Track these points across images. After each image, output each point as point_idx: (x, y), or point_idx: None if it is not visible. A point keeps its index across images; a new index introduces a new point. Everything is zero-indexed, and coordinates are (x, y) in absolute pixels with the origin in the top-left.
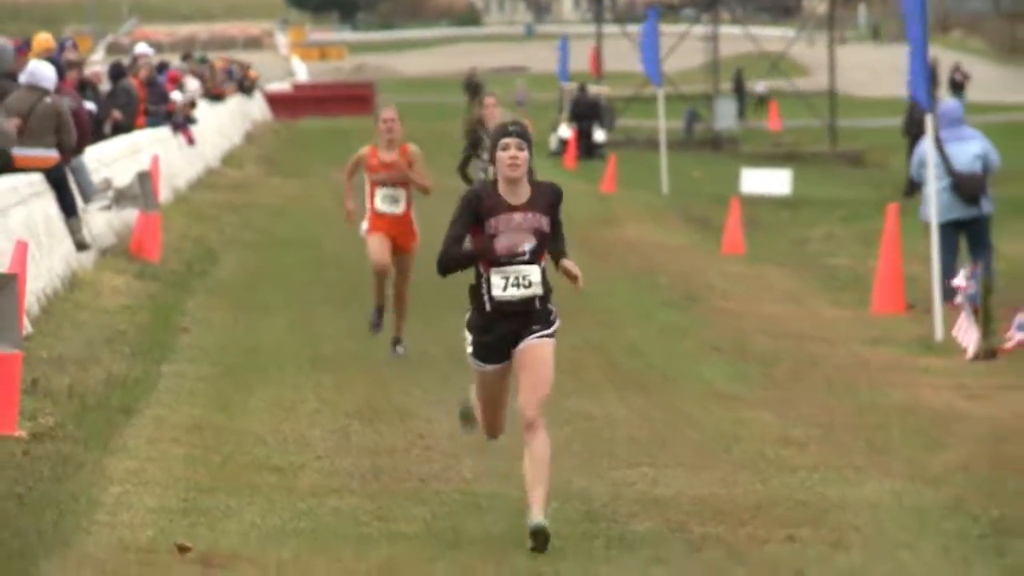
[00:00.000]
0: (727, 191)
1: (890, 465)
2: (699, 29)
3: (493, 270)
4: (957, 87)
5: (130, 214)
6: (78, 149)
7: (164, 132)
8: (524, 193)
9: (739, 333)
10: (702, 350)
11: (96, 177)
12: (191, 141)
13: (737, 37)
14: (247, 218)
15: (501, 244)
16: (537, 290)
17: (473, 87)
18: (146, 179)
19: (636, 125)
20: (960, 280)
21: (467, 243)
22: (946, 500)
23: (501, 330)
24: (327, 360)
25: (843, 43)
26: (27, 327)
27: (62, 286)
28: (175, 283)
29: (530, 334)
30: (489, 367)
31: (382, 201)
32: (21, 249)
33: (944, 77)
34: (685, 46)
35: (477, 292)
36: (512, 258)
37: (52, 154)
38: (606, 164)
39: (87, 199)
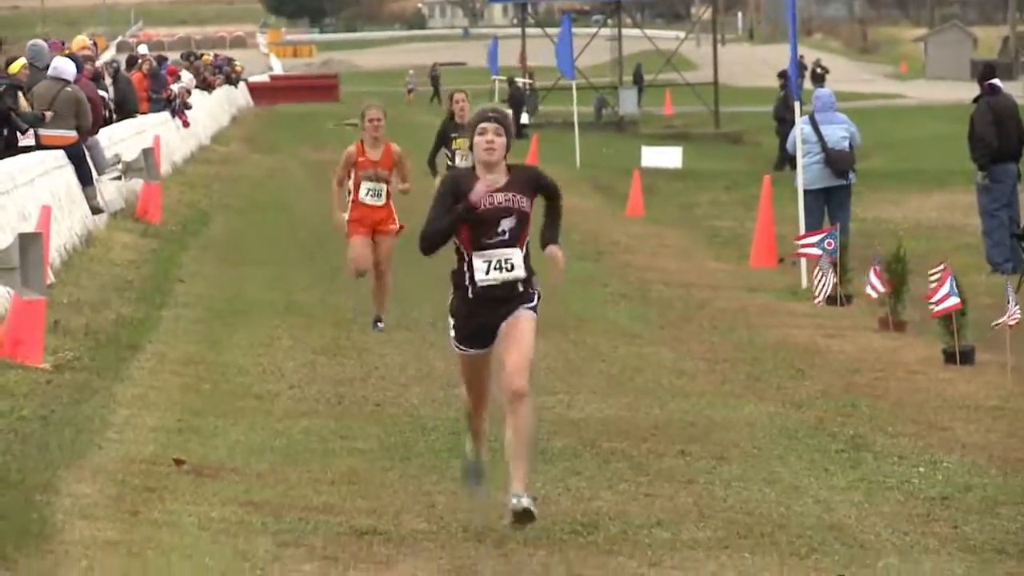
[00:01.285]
0: (630, 164)
1: (764, 392)
2: (605, 31)
3: (475, 253)
4: (818, 79)
5: (136, 183)
6: (93, 130)
7: (164, 116)
8: (502, 176)
9: (640, 282)
10: (610, 296)
11: (108, 153)
12: (186, 124)
13: (637, 38)
14: (233, 187)
15: (475, 197)
16: (519, 273)
17: (435, 78)
18: (149, 155)
19: (555, 110)
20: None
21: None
22: (810, 421)
23: (484, 317)
24: (299, 305)
25: (724, 43)
26: (50, 277)
27: (80, 243)
28: (173, 241)
29: (513, 310)
30: (472, 351)
31: (366, 194)
32: (45, 212)
33: (808, 71)
34: (594, 45)
35: (459, 276)
36: (493, 235)
37: (72, 134)
38: (530, 142)
39: (101, 171)
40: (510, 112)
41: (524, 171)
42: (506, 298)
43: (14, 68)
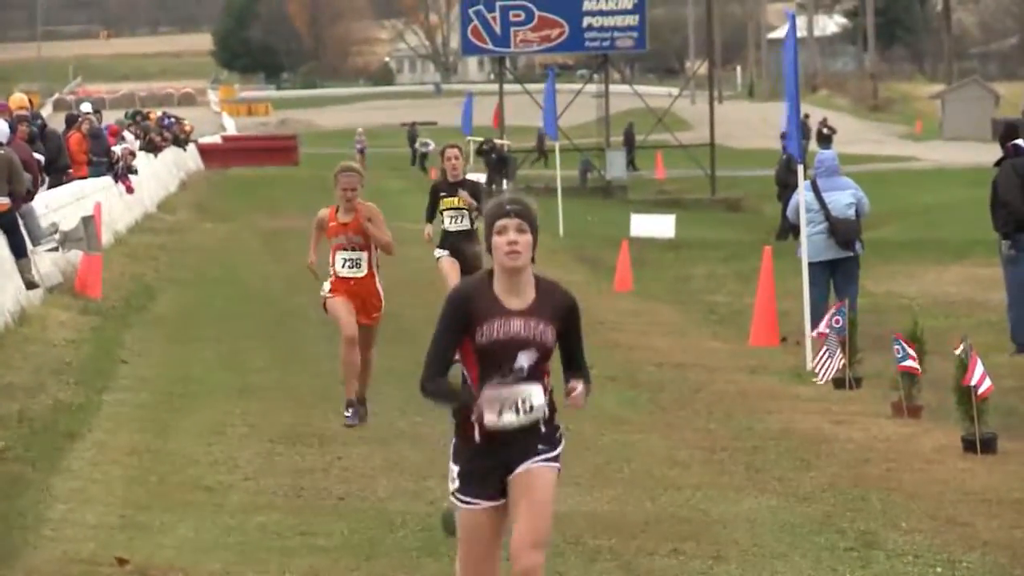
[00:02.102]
0: (618, 234)
1: (766, 484)
2: (591, 87)
3: (485, 389)
4: (825, 139)
5: (75, 255)
6: (28, 196)
7: (106, 181)
8: (527, 292)
9: (630, 363)
10: (596, 379)
11: (44, 222)
12: (130, 189)
13: (626, 95)
14: (181, 259)
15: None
16: (539, 414)
17: (413, 138)
18: (90, 223)
19: (536, 174)
20: (823, 326)
21: (457, 374)
22: (816, 516)
23: (496, 457)
24: (254, 389)
25: (721, 101)
26: None
27: (12, 321)
28: (116, 318)
29: (530, 456)
30: (478, 504)
31: (343, 265)
32: None
33: (813, 131)
34: (579, 103)
35: (464, 416)
36: (507, 371)
37: (4, 200)
38: None
39: (36, 242)
40: (534, 203)
41: (554, 292)
42: (522, 439)
43: None
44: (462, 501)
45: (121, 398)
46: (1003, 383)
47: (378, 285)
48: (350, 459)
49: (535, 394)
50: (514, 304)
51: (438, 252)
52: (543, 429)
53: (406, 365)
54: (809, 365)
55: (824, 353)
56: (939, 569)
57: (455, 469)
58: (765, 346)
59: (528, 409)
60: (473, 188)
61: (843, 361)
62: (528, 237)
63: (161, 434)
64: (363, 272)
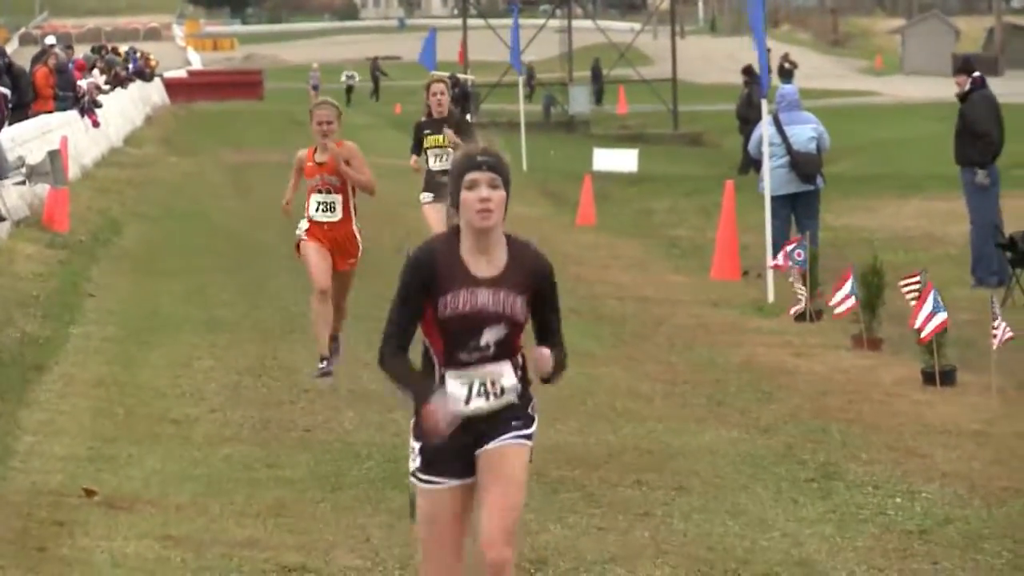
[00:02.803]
0: (580, 168)
1: (727, 416)
2: (555, 23)
3: (449, 372)
4: (786, 74)
5: (41, 189)
6: None
7: (72, 115)
8: (497, 255)
9: (592, 297)
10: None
11: (11, 156)
12: (96, 123)
13: (589, 30)
14: (147, 193)
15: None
16: (511, 397)
17: (375, 73)
18: (56, 157)
19: (499, 109)
20: (781, 258)
21: (415, 360)
22: (777, 447)
23: (463, 437)
24: (220, 322)
25: (684, 36)
26: None
27: None
28: (82, 251)
29: (501, 431)
30: (443, 483)
31: (316, 209)
32: None
33: (775, 65)
34: (542, 38)
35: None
36: (472, 348)
37: None
38: None
39: (3, 175)
40: (506, 155)
41: (528, 256)
42: (495, 414)
43: None
44: (424, 480)
45: (88, 331)
46: (961, 316)
47: (355, 229)
48: (316, 391)
49: (505, 375)
50: (482, 270)
51: (424, 196)
52: (516, 401)
53: (373, 300)
54: (770, 298)
55: (794, 279)
56: (898, 499)
57: (416, 446)
58: (727, 280)
59: (499, 392)
60: (459, 123)
61: (805, 294)
62: (501, 193)
63: (128, 367)
64: (338, 216)
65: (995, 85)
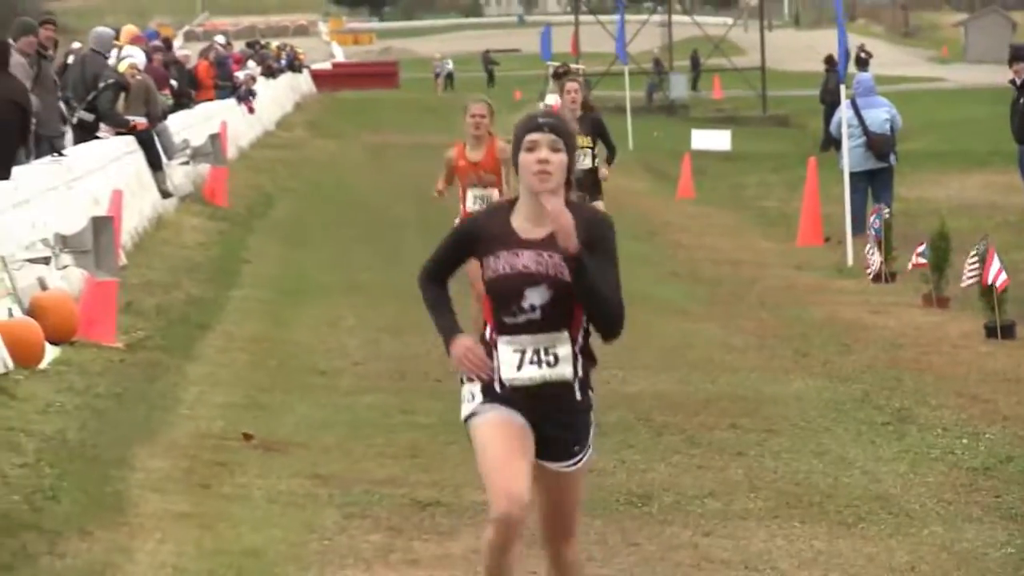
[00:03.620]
0: (680, 147)
1: (811, 367)
2: (656, 18)
3: (501, 338)
4: (862, 63)
5: (204, 168)
6: (163, 116)
7: (230, 103)
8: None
9: (690, 261)
10: (661, 274)
11: (177, 139)
12: (252, 110)
13: (687, 24)
14: (296, 171)
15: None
16: (566, 370)
17: (488, 64)
18: (216, 140)
19: (608, 95)
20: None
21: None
22: (856, 394)
23: (522, 410)
24: (361, 285)
25: (771, 29)
26: (122, 259)
27: (150, 226)
28: (239, 223)
29: (560, 453)
30: (502, 409)
31: (474, 203)
32: (117, 197)
33: (852, 55)
34: (645, 31)
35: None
36: (519, 321)
37: (142, 120)
38: None
39: (170, 156)
40: (571, 122)
41: (583, 213)
42: (554, 403)
43: (122, 67)
44: (482, 413)
45: (245, 294)
46: (1021, 277)
47: None
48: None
49: (559, 343)
50: (531, 233)
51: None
52: (577, 394)
53: None
54: (849, 262)
55: (870, 250)
56: (965, 440)
57: (476, 387)
58: (810, 245)
59: (552, 361)
60: (594, 123)
61: (881, 259)
62: (562, 156)
63: (280, 325)
64: None
65: None
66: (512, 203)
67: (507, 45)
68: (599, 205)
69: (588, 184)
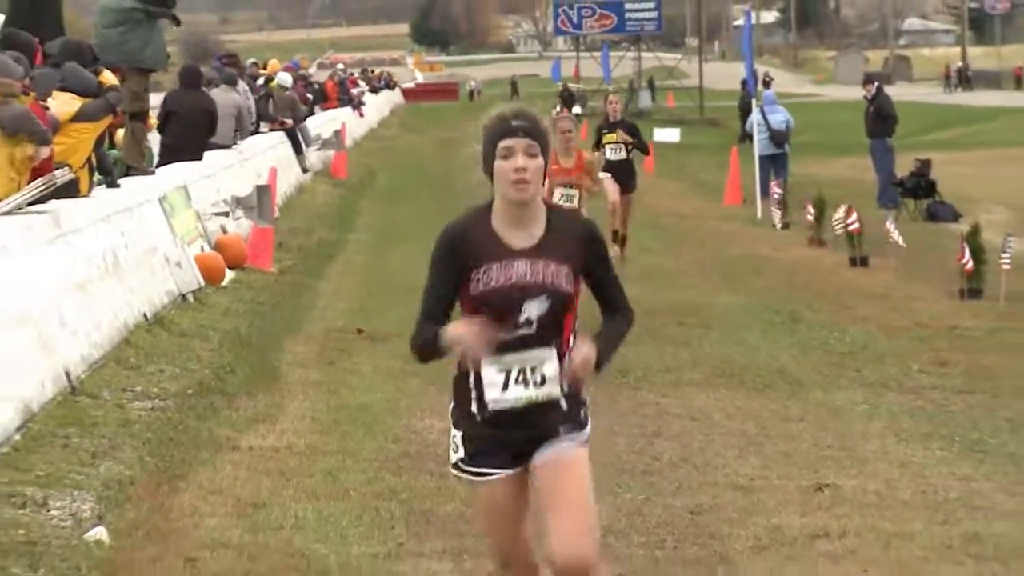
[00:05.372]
0: (645, 139)
1: (735, 286)
2: (631, 54)
3: (485, 359)
4: (766, 84)
5: (330, 153)
6: (302, 120)
7: (347, 110)
8: (535, 227)
9: (653, 215)
10: (636, 224)
11: (312, 133)
12: (362, 115)
13: (650, 58)
14: (390, 156)
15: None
16: (553, 389)
17: (513, 84)
18: (339, 134)
19: (598, 105)
20: (773, 190)
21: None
22: (762, 303)
23: (506, 437)
24: (433, 229)
25: (707, 61)
26: (276, 213)
27: (294, 192)
28: (353, 189)
29: (548, 439)
30: (493, 474)
31: (560, 198)
32: (273, 172)
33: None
34: (623, 63)
35: (461, 387)
36: (512, 337)
37: (289, 121)
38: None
39: (308, 145)
40: (541, 117)
41: (569, 222)
42: (537, 418)
43: (272, 84)
44: (472, 473)
45: (358, 237)
46: (871, 227)
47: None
48: None
49: (547, 362)
50: (518, 241)
51: (602, 174)
52: (564, 405)
53: None
54: (759, 216)
55: (775, 207)
56: (836, 334)
57: (457, 435)
58: (733, 205)
59: (539, 381)
60: (629, 128)
61: (781, 214)
62: (539, 161)
63: (382, 257)
64: (575, 205)
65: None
66: (488, 207)
67: (529, 72)
68: (629, 199)
69: (625, 173)
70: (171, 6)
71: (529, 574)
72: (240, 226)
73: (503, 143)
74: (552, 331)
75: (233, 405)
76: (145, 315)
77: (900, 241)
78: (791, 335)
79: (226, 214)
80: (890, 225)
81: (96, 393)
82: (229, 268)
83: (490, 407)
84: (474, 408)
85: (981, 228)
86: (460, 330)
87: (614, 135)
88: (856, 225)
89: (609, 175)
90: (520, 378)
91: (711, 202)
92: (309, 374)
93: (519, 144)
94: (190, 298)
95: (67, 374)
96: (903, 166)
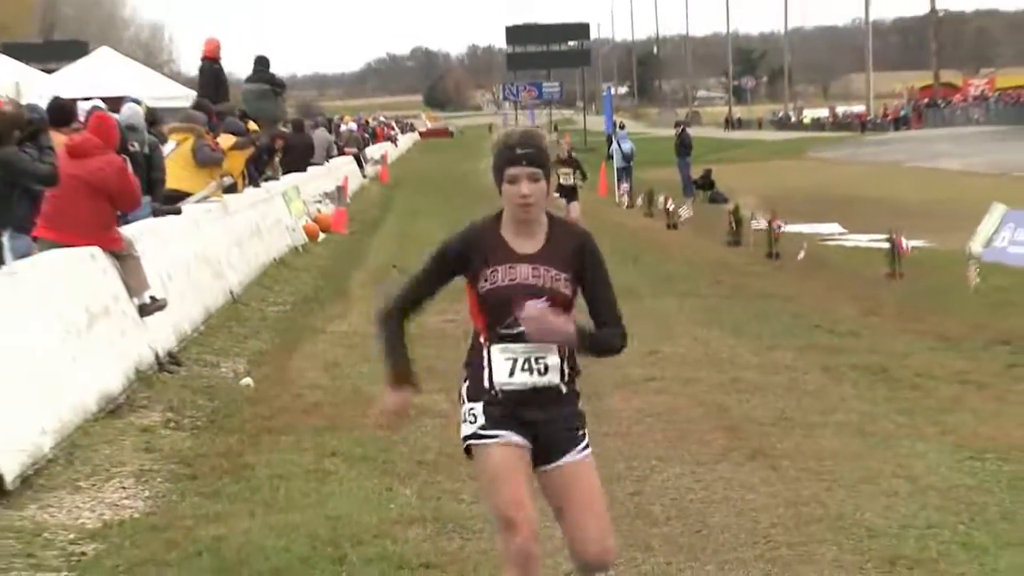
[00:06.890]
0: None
1: (600, 240)
2: (547, 110)
3: (495, 347)
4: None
5: (378, 168)
6: (362, 149)
7: (388, 144)
8: (538, 236)
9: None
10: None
11: (368, 157)
12: (396, 145)
13: (557, 113)
14: (410, 169)
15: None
16: (554, 377)
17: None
18: (384, 157)
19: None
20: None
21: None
22: (617, 249)
23: (517, 416)
24: (442, 212)
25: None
26: (347, 200)
27: (358, 189)
28: (392, 188)
29: (559, 442)
30: (505, 435)
31: (560, 179)
32: (346, 179)
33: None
34: (542, 116)
35: (477, 364)
36: (517, 332)
37: (354, 150)
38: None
39: (365, 163)
40: (544, 137)
41: (568, 232)
42: (545, 403)
43: (343, 129)
44: (488, 436)
45: (396, 214)
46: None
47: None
48: None
49: (549, 354)
50: (523, 247)
51: (555, 195)
52: (565, 392)
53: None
54: (617, 201)
55: (624, 196)
56: (665, 267)
57: (476, 406)
58: (601, 196)
59: (543, 370)
60: (575, 161)
61: (628, 199)
62: (542, 185)
63: (410, 225)
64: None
65: (689, 131)
66: (498, 217)
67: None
68: (575, 206)
69: (568, 191)
70: (284, 87)
71: (532, 536)
72: (328, 208)
73: (509, 171)
74: None
75: (323, 308)
76: (275, 259)
77: (691, 214)
78: (634, 267)
79: (320, 201)
80: (687, 203)
81: (246, 302)
82: (322, 232)
83: (499, 388)
84: (486, 384)
85: (740, 207)
86: (388, 398)
87: (568, 168)
88: (672, 205)
89: (558, 195)
90: (525, 366)
91: (589, 193)
92: (365, 294)
93: (523, 172)
94: (299, 249)
95: (231, 292)
96: (696, 172)
